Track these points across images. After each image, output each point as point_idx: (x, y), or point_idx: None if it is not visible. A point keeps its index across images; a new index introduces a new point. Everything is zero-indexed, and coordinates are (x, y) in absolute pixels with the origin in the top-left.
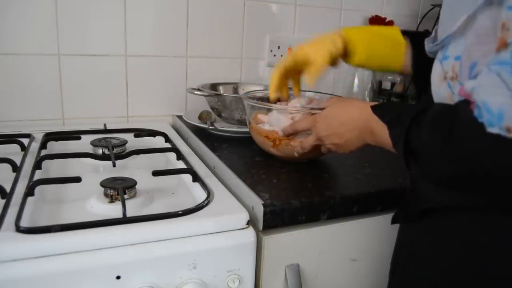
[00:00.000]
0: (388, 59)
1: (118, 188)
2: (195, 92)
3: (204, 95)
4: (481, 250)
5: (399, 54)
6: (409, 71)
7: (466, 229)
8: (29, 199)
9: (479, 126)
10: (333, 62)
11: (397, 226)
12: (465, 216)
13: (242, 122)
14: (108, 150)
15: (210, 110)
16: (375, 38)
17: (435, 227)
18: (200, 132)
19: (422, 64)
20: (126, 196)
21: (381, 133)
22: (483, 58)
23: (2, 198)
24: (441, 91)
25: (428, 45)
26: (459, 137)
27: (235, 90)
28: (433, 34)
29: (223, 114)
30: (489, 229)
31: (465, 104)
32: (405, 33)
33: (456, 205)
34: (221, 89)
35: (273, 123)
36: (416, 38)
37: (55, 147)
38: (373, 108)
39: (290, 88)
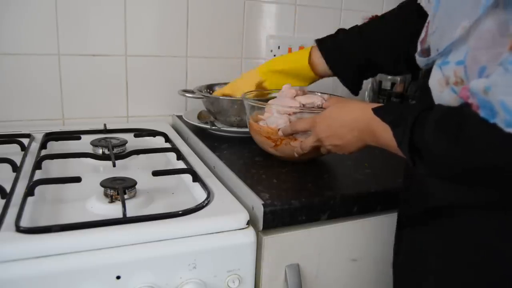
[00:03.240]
0: (299, 77)
1: (118, 188)
2: (186, 94)
3: (195, 97)
4: (494, 251)
5: (308, 76)
6: (330, 74)
7: (477, 231)
8: (29, 199)
9: (489, 125)
10: None
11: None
12: (475, 216)
13: (237, 125)
14: (108, 150)
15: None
16: (282, 76)
17: (443, 232)
18: (200, 132)
19: (336, 67)
20: (126, 196)
21: (383, 134)
22: (493, 62)
23: (2, 198)
24: (444, 96)
25: (421, 59)
26: (467, 137)
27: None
28: (419, 47)
29: (217, 117)
30: (501, 230)
31: (469, 106)
32: (319, 41)
33: (463, 202)
34: (217, 90)
35: (272, 121)
36: (324, 45)
37: (55, 147)
38: (375, 110)
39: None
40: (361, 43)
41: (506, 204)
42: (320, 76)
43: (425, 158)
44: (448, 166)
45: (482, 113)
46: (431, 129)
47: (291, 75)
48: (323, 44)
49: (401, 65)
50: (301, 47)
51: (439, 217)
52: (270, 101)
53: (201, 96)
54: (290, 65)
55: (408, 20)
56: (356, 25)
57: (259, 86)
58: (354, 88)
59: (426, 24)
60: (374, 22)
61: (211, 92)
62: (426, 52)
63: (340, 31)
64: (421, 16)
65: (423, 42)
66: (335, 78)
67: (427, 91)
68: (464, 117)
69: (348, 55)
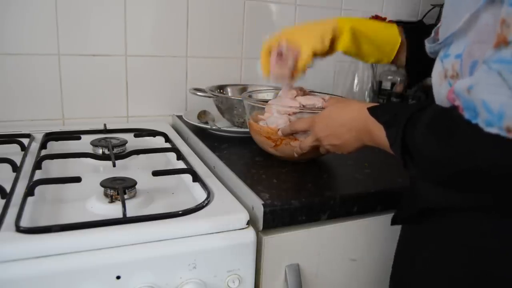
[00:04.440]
0: (374, 54)
1: (118, 188)
2: (198, 93)
3: (206, 96)
4: (483, 254)
5: (389, 52)
6: (402, 65)
7: (467, 232)
8: (29, 199)
9: (473, 127)
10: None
11: (397, 226)
12: (464, 218)
13: (241, 127)
14: (108, 150)
15: (207, 110)
16: (365, 33)
17: (436, 231)
18: (200, 132)
19: (416, 59)
20: (126, 196)
21: (379, 134)
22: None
23: (2, 198)
24: (442, 89)
25: (428, 45)
26: (455, 139)
27: (243, 92)
28: (432, 34)
29: (225, 115)
30: (491, 232)
31: (457, 109)
32: (402, 27)
33: (453, 206)
34: (229, 91)
35: (272, 121)
36: (413, 33)
37: (55, 147)
38: (370, 109)
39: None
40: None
41: (496, 207)
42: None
43: (415, 159)
44: (437, 169)
45: (466, 115)
46: (422, 131)
47: (375, 43)
48: (412, 35)
49: None
50: None
51: (431, 218)
52: (270, 101)
53: (212, 95)
54: (380, 32)
55: None
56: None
57: (326, 42)
58: (413, 82)
59: None
60: None
61: (222, 91)
62: (437, 41)
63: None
64: None
65: (438, 32)
66: (335, 77)
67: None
68: (454, 119)
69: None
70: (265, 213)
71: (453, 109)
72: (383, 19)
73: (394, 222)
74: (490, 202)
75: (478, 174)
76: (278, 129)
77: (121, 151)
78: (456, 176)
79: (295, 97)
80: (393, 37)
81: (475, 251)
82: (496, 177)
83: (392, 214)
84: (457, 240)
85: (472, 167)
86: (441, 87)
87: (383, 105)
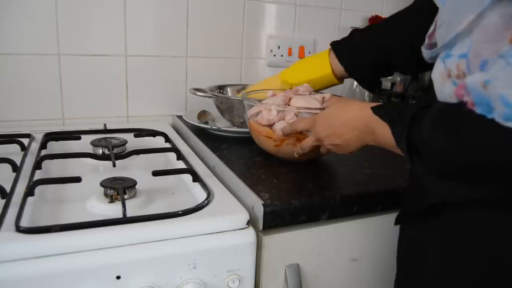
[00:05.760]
0: (322, 85)
1: (118, 188)
2: (198, 93)
3: (206, 96)
4: (495, 249)
5: (329, 80)
6: (347, 76)
7: (477, 228)
8: (29, 199)
9: (488, 122)
10: None
11: (397, 226)
12: (474, 213)
13: (241, 127)
14: (108, 150)
15: (207, 110)
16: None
17: (444, 228)
18: (200, 132)
19: (354, 70)
20: (126, 196)
21: (383, 133)
22: (495, 55)
23: (2, 198)
24: (445, 89)
25: (426, 51)
26: (464, 133)
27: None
28: (426, 40)
29: (225, 115)
30: (502, 227)
31: (465, 104)
32: (334, 45)
33: (462, 201)
34: (229, 91)
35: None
36: (340, 49)
37: (55, 147)
38: (374, 108)
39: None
40: (374, 43)
41: (505, 202)
42: (340, 80)
43: (423, 155)
44: (445, 163)
45: (478, 110)
46: (429, 127)
47: (315, 84)
48: (338, 47)
49: (413, 65)
50: (301, 47)
51: (438, 215)
52: (264, 100)
53: (212, 95)
54: (314, 76)
55: (421, 19)
56: (372, 24)
57: None
58: (371, 88)
59: (436, 18)
60: (387, 21)
61: (222, 91)
62: (433, 46)
63: (355, 31)
64: (434, 13)
65: (431, 36)
66: None
67: (429, 91)
68: (461, 114)
69: (362, 55)
70: (265, 213)
71: (461, 105)
72: (383, 19)
73: (397, 221)
74: (500, 195)
75: (491, 167)
76: (270, 126)
77: (121, 151)
78: (465, 169)
79: (290, 99)
80: (328, 76)
81: (486, 247)
82: (510, 169)
83: (393, 214)
84: (466, 236)
85: (485, 159)
86: (443, 86)
87: (387, 104)
